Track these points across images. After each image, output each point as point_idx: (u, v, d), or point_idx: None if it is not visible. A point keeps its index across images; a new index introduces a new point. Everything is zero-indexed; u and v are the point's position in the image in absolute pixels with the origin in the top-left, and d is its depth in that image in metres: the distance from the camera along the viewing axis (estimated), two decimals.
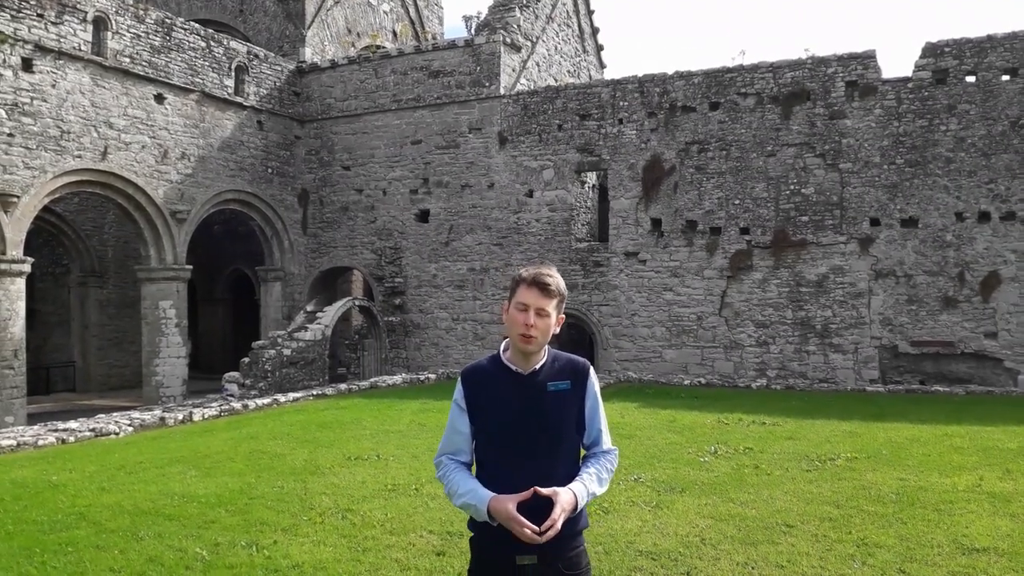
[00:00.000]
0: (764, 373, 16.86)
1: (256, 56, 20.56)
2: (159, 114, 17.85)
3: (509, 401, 2.66)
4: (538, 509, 2.48)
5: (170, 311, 18.24)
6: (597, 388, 2.79)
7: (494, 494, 2.54)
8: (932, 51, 15.89)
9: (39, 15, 15.33)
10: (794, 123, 16.82)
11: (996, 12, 63.90)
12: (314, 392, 15.18)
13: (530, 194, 19.29)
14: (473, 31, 21.97)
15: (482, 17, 21.53)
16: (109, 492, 7.33)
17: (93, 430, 10.78)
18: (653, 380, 16.80)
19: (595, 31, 25.65)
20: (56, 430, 10.83)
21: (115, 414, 12.88)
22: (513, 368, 2.70)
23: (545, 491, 2.49)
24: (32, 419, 14.70)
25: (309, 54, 22.99)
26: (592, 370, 2.79)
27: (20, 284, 15.21)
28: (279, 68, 21.27)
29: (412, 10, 28.12)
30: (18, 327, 15.05)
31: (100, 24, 16.56)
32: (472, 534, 2.71)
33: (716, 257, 17.44)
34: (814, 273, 16.65)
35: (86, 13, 16.18)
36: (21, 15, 15.03)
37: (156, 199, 17.76)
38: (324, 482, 7.64)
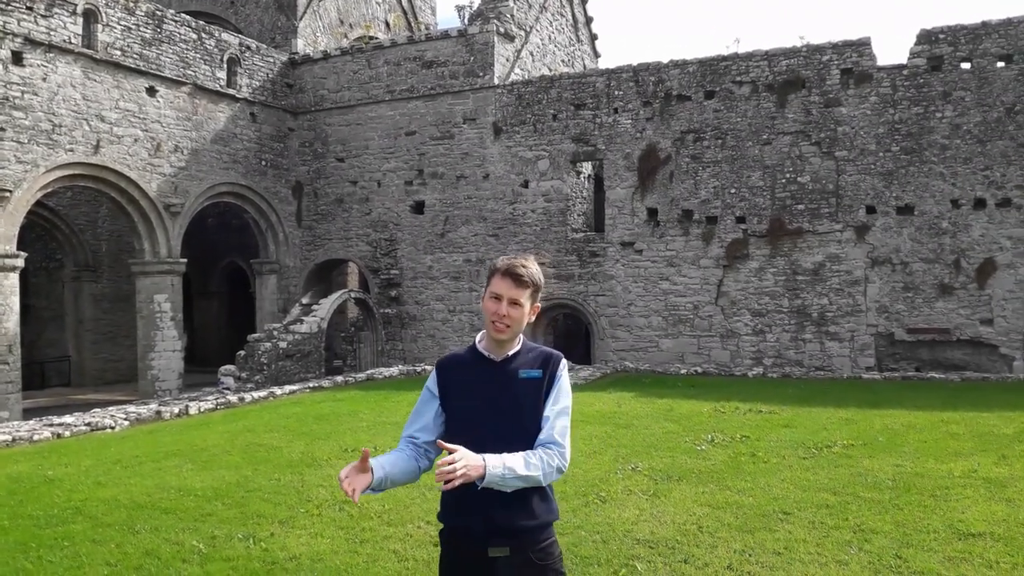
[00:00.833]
0: (760, 361, 16.88)
1: (248, 48, 20.43)
2: (151, 107, 17.74)
3: (480, 386, 2.70)
4: (474, 499, 2.53)
5: (165, 305, 18.18)
6: (566, 379, 2.77)
7: (373, 460, 2.56)
8: (927, 38, 15.86)
9: (28, 8, 15.21)
10: (789, 111, 16.79)
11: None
12: (310, 385, 15.15)
13: (525, 184, 19.24)
14: (466, 21, 21.87)
15: (475, 7, 21.42)
16: (105, 486, 7.31)
17: (89, 424, 10.75)
18: (650, 369, 16.82)
19: (589, 20, 25.55)
20: (52, 425, 10.80)
21: (111, 408, 12.86)
22: (487, 355, 2.75)
23: (449, 446, 2.47)
24: (27, 414, 14.67)
25: (301, 45, 22.86)
26: (564, 362, 2.81)
27: (13, 279, 15.14)
28: (271, 60, 21.15)
29: (404, 0, 27.96)
30: (12, 322, 14.99)
31: (90, 16, 16.43)
32: (441, 526, 2.72)
33: (712, 246, 17.43)
34: (810, 261, 16.65)
35: (76, 5, 16.04)
36: (10, 8, 14.90)
37: (149, 192, 17.68)
38: (321, 474, 7.63)
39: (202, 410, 12.39)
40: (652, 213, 18.00)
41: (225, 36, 19.82)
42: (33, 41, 15.27)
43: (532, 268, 2.71)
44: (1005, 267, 15.25)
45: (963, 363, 15.65)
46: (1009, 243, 15.23)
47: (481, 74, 19.63)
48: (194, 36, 18.75)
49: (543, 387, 2.71)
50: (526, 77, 20.52)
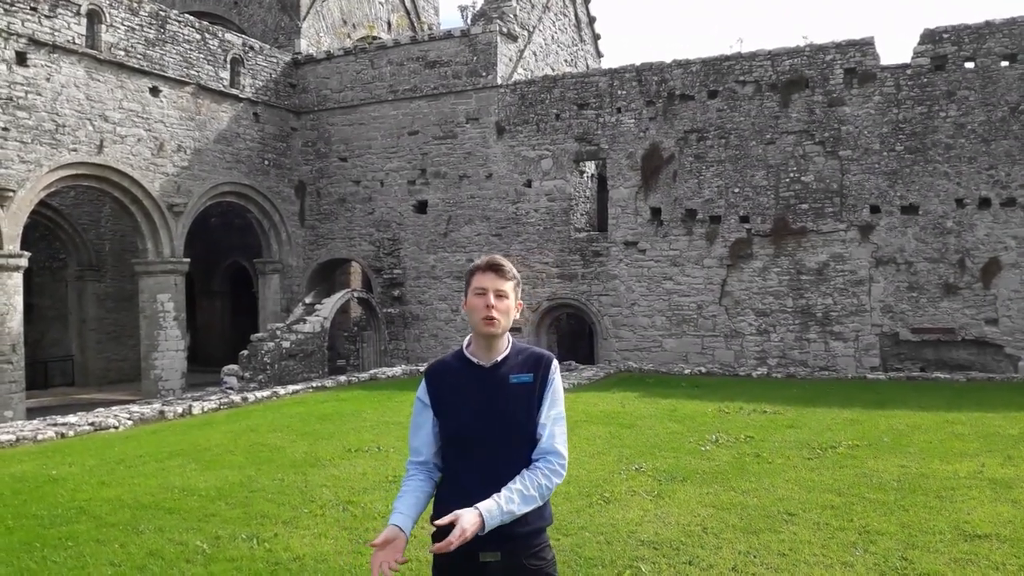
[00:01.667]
0: (765, 362, 16.85)
1: (251, 48, 20.44)
2: (154, 107, 17.75)
3: (470, 395, 2.65)
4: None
5: (168, 304, 18.19)
6: (559, 382, 2.73)
7: (391, 526, 2.54)
8: (931, 37, 15.81)
9: (32, 8, 15.22)
10: (793, 111, 16.75)
11: None
12: (313, 384, 15.15)
13: (528, 184, 19.23)
14: (469, 21, 21.83)
15: (478, 7, 21.41)
16: (109, 486, 7.31)
17: (92, 424, 10.76)
18: (654, 370, 16.80)
19: (592, 20, 25.52)
20: (55, 424, 10.81)
21: (114, 408, 12.85)
22: (475, 361, 2.69)
23: (443, 520, 2.44)
24: (31, 414, 14.68)
25: (304, 45, 22.87)
26: (556, 363, 2.75)
27: (17, 279, 15.16)
28: (274, 60, 21.15)
29: (407, 0, 27.96)
30: (16, 322, 15.00)
31: (94, 17, 16.45)
32: (434, 529, 2.65)
33: (716, 246, 17.40)
34: (814, 261, 16.61)
35: (80, 6, 16.06)
36: (14, 9, 14.92)
37: (152, 192, 17.69)
38: (325, 474, 7.62)
39: (205, 410, 12.39)
40: (655, 213, 17.97)
41: (228, 36, 19.84)
42: (37, 41, 15.28)
43: (509, 263, 2.74)
44: (1010, 266, 15.21)
45: (968, 363, 15.61)
46: (1014, 242, 15.18)
47: (484, 74, 19.62)
48: (197, 36, 18.76)
49: (535, 391, 2.67)
50: (529, 77, 20.50)
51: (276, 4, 23.43)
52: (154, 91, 17.72)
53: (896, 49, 66.66)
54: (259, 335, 17.99)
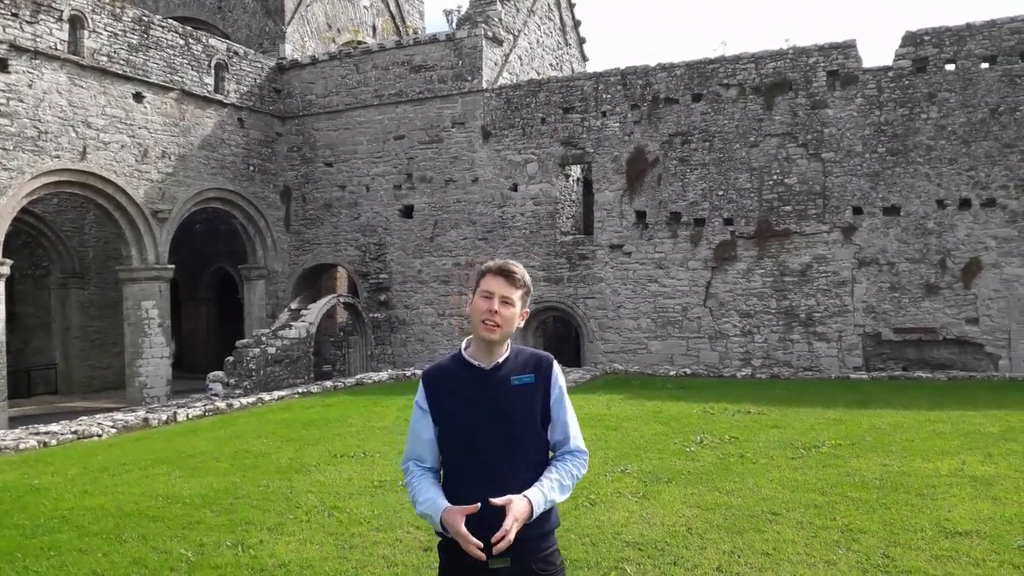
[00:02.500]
0: (749, 363, 16.94)
1: (236, 53, 20.38)
2: (138, 113, 17.66)
3: (471, 398, 2.62)
4: (494, 515, 2.44)
5: (153, 311, 18.08)
6: (562, 381, 2.74)
7: (449, 505, 2.50)
8: (912, 40, 15.98)
9: (14, 15, 15.12)
10: (776, 113, 16.88)
11: (975, 1, 64.39)
12: (299, 390, 15.10)
13: (514, 188, 19.26)
14: (455, 25, 21.88)
15: (463, 11, 21.44)
16: (92, 495, 7.26)
17: (75, 432, 10.68)
18: (639, 371, 16.85)
19: (577, 24, 25.62)
20: (37, 433, 10.71)
21: (98, 416, 12.75)
22: (475, 363, 2.66)
23: (499, 501, 2.44)
24: (13, 422, 14.53)
25: (289, 50, 22.82)
26: (556, 363, 2.75)
27: (0, 287, 15.04)
28: (259, 65, 21.10)
29: (392, 5, 27.96)
30: None
31: (76, 23, 16.36)
32: (441, 538, 2.65)
33: (700, 248, 17.49)
34: (798, 262, 16.73)
35: (62, 12, 15.96)
36: None
37: (137, 199, 17.59)
38: (310, 480, 7.60)
39: (190, 417, 12.32)
40: (640, 216, 18.05)
41: (212, 41, 19.77)
42: (18, 48, 15.17)
43: (523, 270, 2.69)
44: (990, 266, 15.37)
45: (949, 362, 15.76)
46: (994, 243, 15.35)
47: (469, 78, 19.65)
48: (181, 42, 18.69)
49: (538, 391, 2.66)
50: (514, 81, 20.54)
51: (260, 9, 23.37)
52: (138, 97, 17.63)
53: (878, 52, 67.28)
54: (244, 341, 17.90)
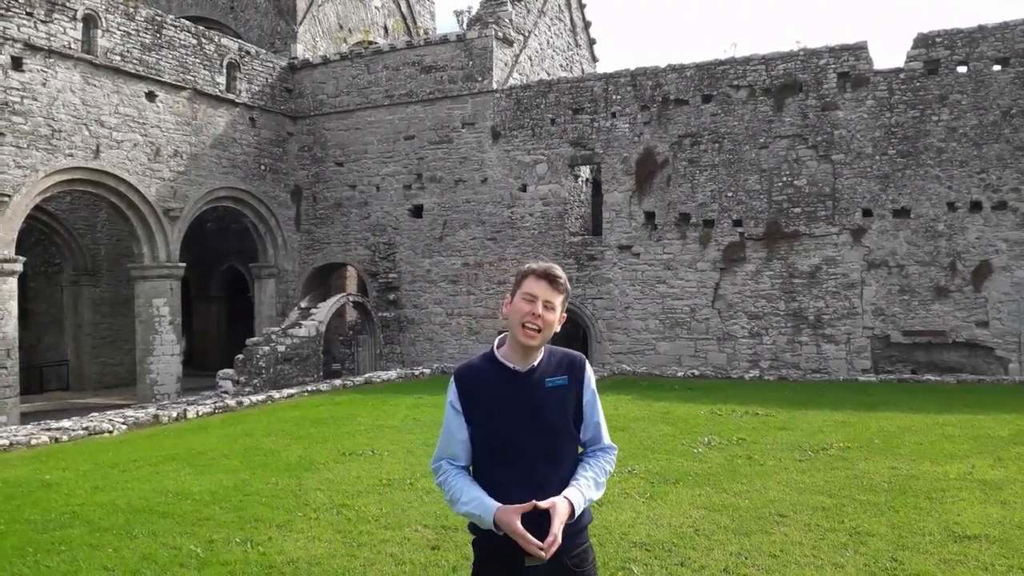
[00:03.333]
0: (757, 364, 16.91)
1: (248, 53, 20.48)
2: (151, 112, 17.77)
3: (506, 400, 2.60)
4: (536, 517, 2.46)
5: (164, 309, 18.19)
6: (593, 382, 2.75)
7: (499, 505, 2.50)
8: (924, 41, 15.91)
9: (28, 14, 15.24)
10: (786, 115, 16.84)
11: (987, 2, 64.00)
12: (309, 388, 15.17)
13: (524, 188, 19.28)
14: (465, 26, 21.91)
15: (474, 12, 21.47)
16: (103, 490, 7.32)
17: (87, 428, 10.76)
18: (647, 372, 16.84)
19: (587, 25, 25.60)
20: (49, 429, 10.81)
21: (109, 412, 12.86)
22: (510, 366, 2.63)
23: (544, 504, 2.46)
24: (25, 418, 14.67)
25: (301, 50, 22.91)
26: (588, 363, 2.76)
27: (12, 284, 15.16)
28: (271, 65, 21.20)
29: (403, 5, 28.02)
30: (11, 327, 15.00)
31: (90, 22, 16.48)
32: (475, 537, 2.66)
33: (709, 249, 17.46)
34: (807, 264, 16.68)
35: (76, 11, 16.08)
36: (10, 14, 14.94)
37: (149, 197, 17.70)
38: (319, 478, 7.65)
39: (200, 414, 12.40)
40: (649, 216, 18.04)
41: (225, 41, 19.87)
42: (33, 46, 15.30)
43: (564, 274, 2.67)
44: (1001, 269, 15.29)
45: (959, 365, 15.68)
46: (1005, 246, 15.27)
47: (480, 79, 19.69)
48: (194, 41, 18.80)
49: (571, 393, 2.66)
50: (524, 82, 20.56)
51: (272, 9, 23.47)
52: (150, 96, 17.74)
53: (889, 54, 66.96)
54: (254, 339, 17.99)
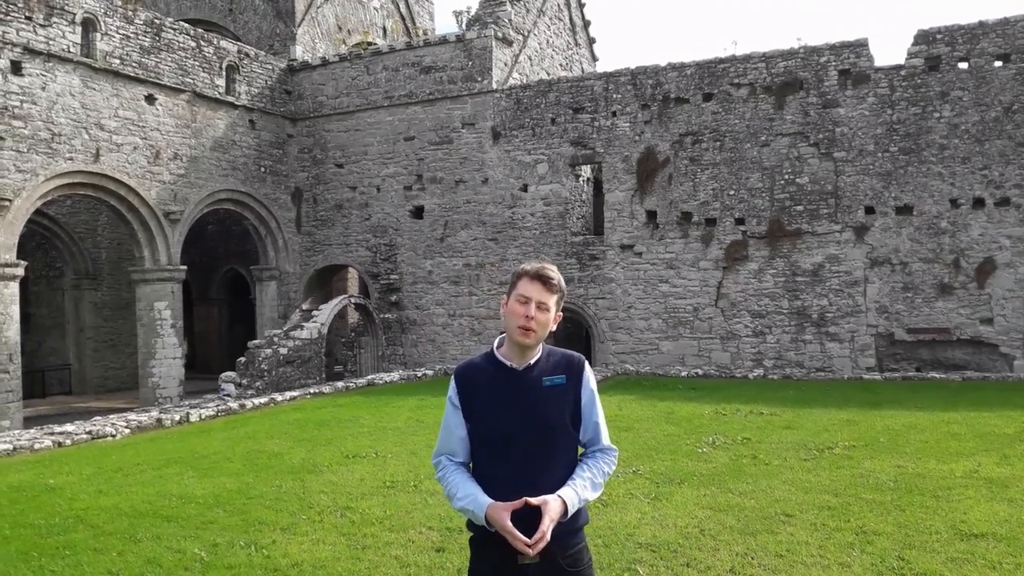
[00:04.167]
0: (761, 363, 16.87)
1: (247, 55, 20.47)
2: (150, 115, 17.76)
3: (503, 398, 2.63)
4: (530, 514, 2.48)
5: (165, 312, 18.18)
6: (593, 382, 2.76)
7: (492, 501, 2.52)
8: (924, 38, 15.88)
9: (27, 18, 15.24)
10: (788, 113, 16.80)
11: None
12: (311, 390, 15.15)
13: (524, 188, 19.26)
14: (464, 26, 21.88)
15: (473, 12, 21.45)
16: (106, 494, 7.30)
17: (89, 432, 10.75)
18: (650, 372, 16.81)
19: (587, 24, 25.59)
20: (52, 433, 10.79)
21: (111, 416, 12.84)
22: (508, 363, 2.67)
23: (535, 501, 2.48)
24: (28, 423, 14.65)
25: (300, 52, 22.90)
26: (587, 364, 2.77)
27: (14, 288, 15.15)
28: (270, 67, 21.18)
29: (402, 6, 28.01)
30: (12, 331, 14.99)
31: (89, 25, 16.47)
32: (472, 534, 2.69)
33: (711, 248, 17.43)
34: (810, 262, 16.65)
35: (75, 15, 16.08)
36: (9, 18, 14.93)
37: (149, 200, 17.69)
38: (322, 480, 7.62)
39: (203, 417, 12.38)
40: (651, 215, 18.01)
41: (223, 43, 19.86)
42: (32, 50, 15.29)
43: (558, 274, 2.69)
44: (1004, 266, 15.25)
45: (964, 363, 15.64)
46: (1008, 242, 15.23)
47: (479, 79, 19.66)
48: (192, 44, 18.79)
49: (569, 393, 2.67)
50: (524, 81, 20.54)
51: (271, 11, 23.46)
52: (150, 99, 17.73)
53: (890, 50, 66.90)
54: (256, 342, 17.98)
